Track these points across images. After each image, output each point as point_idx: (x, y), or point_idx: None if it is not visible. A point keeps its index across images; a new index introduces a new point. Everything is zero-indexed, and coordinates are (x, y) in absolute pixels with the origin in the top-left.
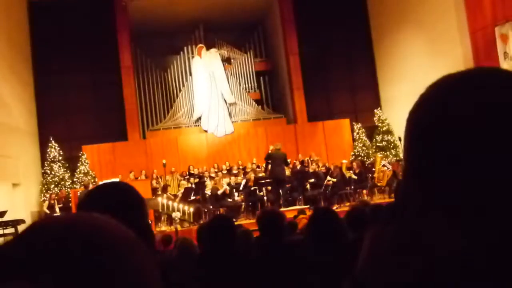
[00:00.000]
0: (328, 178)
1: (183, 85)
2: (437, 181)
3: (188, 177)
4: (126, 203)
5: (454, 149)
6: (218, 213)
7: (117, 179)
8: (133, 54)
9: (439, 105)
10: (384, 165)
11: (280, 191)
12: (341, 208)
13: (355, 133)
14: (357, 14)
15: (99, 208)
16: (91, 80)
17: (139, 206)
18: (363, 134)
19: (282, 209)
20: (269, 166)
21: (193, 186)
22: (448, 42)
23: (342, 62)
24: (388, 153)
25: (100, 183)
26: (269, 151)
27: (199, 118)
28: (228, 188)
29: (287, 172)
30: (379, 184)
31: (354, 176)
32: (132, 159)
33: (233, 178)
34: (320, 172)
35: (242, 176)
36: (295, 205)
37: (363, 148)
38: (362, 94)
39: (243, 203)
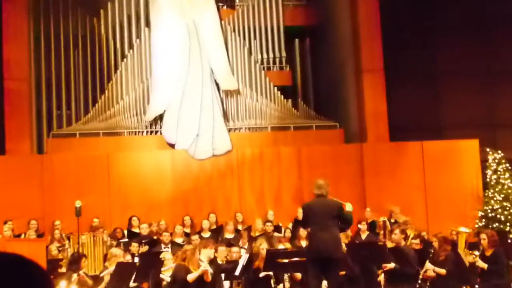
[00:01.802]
0: (428, 265)
1: (130, 48)
2: None
3: (126, 240)
4: None
5: None
6: None
7: None
8: None
9: None
10: None
11: (325, 283)
12: None
13: (489, 171)
14: None
15: None
16: None
17: None
18: (507, 175)
19: None
20: (303, 231)
21: (136, 260)
22: None
23: (469, 25)
24: None
25: None
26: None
27: (159, 118)
28: (210, 270)
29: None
30: None
31: (481, 264)
32: (13, 193)
33: (222, 249)
34: (409, 249)
35: (244, 244)
36: None
37: (504, 203)
38: (509, 92)
39: None
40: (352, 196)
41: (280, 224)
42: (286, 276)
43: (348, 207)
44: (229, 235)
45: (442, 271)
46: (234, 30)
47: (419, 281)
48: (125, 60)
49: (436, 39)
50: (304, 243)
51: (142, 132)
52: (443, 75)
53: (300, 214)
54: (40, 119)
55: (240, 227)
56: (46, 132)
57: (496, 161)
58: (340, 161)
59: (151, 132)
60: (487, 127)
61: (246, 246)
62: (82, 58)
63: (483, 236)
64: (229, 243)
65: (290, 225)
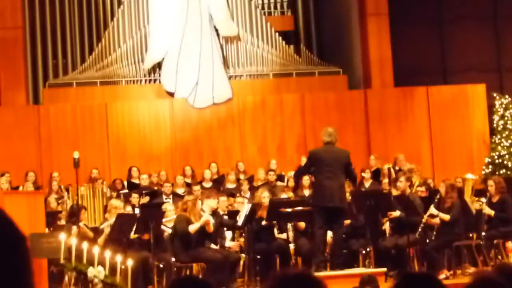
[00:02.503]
0: (432, 210)
1: None
2: None
3: (126, 191)
4: None
5: None
6: (187, 273)
7: None
8: None
9: None
10: None
11: (330, 233)
12: (456, 278)
13: (496, 116)
14: None
15: None
16: None
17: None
18: None
19: (327, 272)
20: (306, 180)
21: (137, 211)
22: None
23: None
24: None
25: None
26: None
27: (158, 67)
28: (212, 220)
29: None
30: None
31: (488, 211)
32: (9, 145)
33: (223, 199)
34: (415, 197)
35: (245, 194)
36: (357, 265)
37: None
38: None
39: (244, 254)
40: (356, 143)
41: (283, 173)
42: (289, 225)
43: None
44: (230, 185)
45: (446, 216)
46: None
47: (422, 226)
48: (121, 6)
49: None
50: (307, 192)
51: (140, 80)
52: (450, 18)
53: (304, 162)
54: (35, 68)
55: (242, 176)
56: (42, 81)
57: (503, 106)
58: (344, 108)
59: (150, 80)
60: (494, 71)
61: (247, 195)
62: (77, 5)
63: (490, 182)
64: (231, 193)
65: (292, 174)
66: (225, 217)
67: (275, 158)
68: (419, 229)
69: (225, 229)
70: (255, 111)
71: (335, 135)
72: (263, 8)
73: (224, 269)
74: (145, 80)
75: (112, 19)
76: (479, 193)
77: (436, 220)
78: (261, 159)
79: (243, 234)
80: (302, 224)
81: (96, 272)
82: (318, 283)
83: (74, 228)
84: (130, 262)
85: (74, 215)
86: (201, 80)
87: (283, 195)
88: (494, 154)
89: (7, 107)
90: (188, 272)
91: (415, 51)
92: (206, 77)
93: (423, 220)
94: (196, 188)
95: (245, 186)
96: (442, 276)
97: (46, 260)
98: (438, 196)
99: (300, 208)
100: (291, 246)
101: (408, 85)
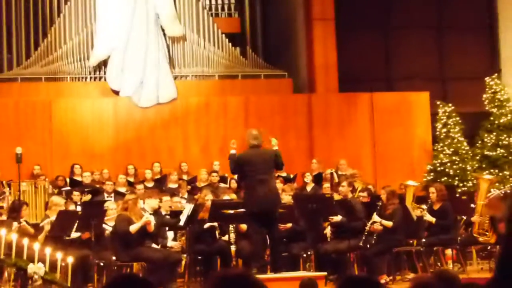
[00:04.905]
0: (375, 217)
1: None
2: None
3: (68, 188)
4: None
5: None
6: (126, 271)
7: None
8: None
9: None
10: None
11: (268, 235)
12: (395, 284)
13: (439, 124)
14: None
15: None
16: None
17: None
18: (457, 128)
19: (267, 275)
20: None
21: (79, 209)
22: None
23: None
24: (507, 173)
25: None
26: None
27: (103, 64)
28: (152, 220)
29: (287, 196)
30: (481, 238)
31: (429, 218)
32: None
33: (166, 199)
34: (356, 202)
35: (187, 196)
36: (297, 269)
37: (453, 157)
38: (460, 45)
39: (186, 255)
40: (299, 147)
41: (226, 175)
42: (231, 227)
43: (273, 142)
44: (172, 185)
45: (389, 223)
46: None
47: (366, 234)
48: (68, 3)
49: None
50: None
51: (86, 78)
52: (395, 26)
53: None
54: None
55: (185, 177)
56: None
57: (447, 114)
58: (288, 112)
59: (95, 78)
60: (438, 80)
61: (185, 196)
62: (24, 0)
63: (431, 190)
64: (173, 193)
65: (235, 176)
66: (167, 216)
67: (218, 159)
68: (363, 237)
69: (167, 228)
70: (199, 112)
71: (261, 137)
72: (210, 9)
73: (164, 268)
74: (90, 78)
75: (58, 15)
76: (420, 200)
77: (379, 227)
78: (204, 160)
79: (185, 236)
80: (244, 226)
81: (36, 269)
82: (258, 284)
83: (15, 224)
84: (70, 260)
85: (15, 211)
86: (146, 79)
87: (226, 197)
88: (436, 161)
89: None
90: (128, 271)
91: (360, 57)
92: (151, 76)
93: (366, 228)
94: (140, 187)
95: (184, 188)
96: (381, 282)
97: None
98: (380, 203)
99: (242, 210)
100: (233, 248)
101: (352, 90)
